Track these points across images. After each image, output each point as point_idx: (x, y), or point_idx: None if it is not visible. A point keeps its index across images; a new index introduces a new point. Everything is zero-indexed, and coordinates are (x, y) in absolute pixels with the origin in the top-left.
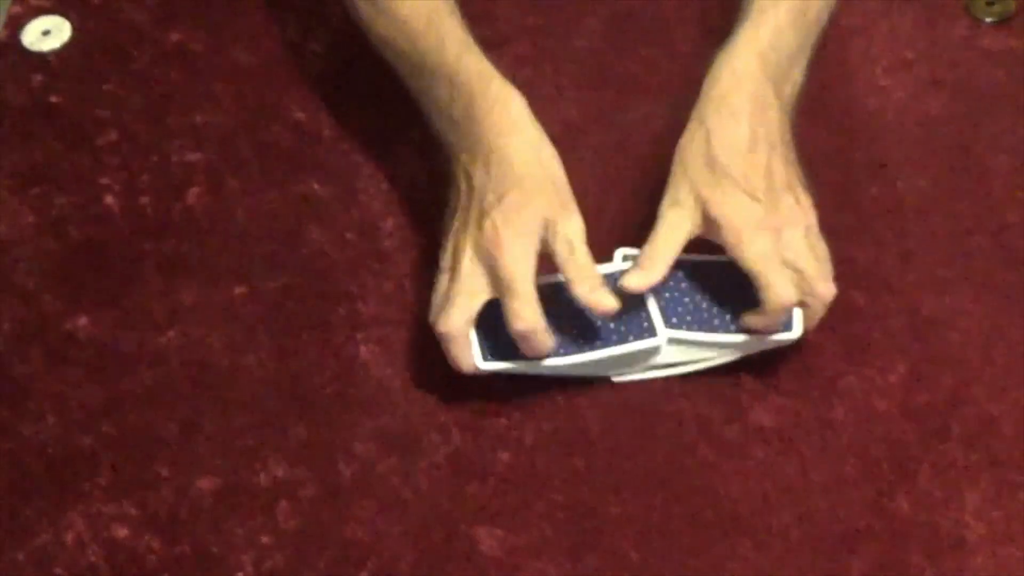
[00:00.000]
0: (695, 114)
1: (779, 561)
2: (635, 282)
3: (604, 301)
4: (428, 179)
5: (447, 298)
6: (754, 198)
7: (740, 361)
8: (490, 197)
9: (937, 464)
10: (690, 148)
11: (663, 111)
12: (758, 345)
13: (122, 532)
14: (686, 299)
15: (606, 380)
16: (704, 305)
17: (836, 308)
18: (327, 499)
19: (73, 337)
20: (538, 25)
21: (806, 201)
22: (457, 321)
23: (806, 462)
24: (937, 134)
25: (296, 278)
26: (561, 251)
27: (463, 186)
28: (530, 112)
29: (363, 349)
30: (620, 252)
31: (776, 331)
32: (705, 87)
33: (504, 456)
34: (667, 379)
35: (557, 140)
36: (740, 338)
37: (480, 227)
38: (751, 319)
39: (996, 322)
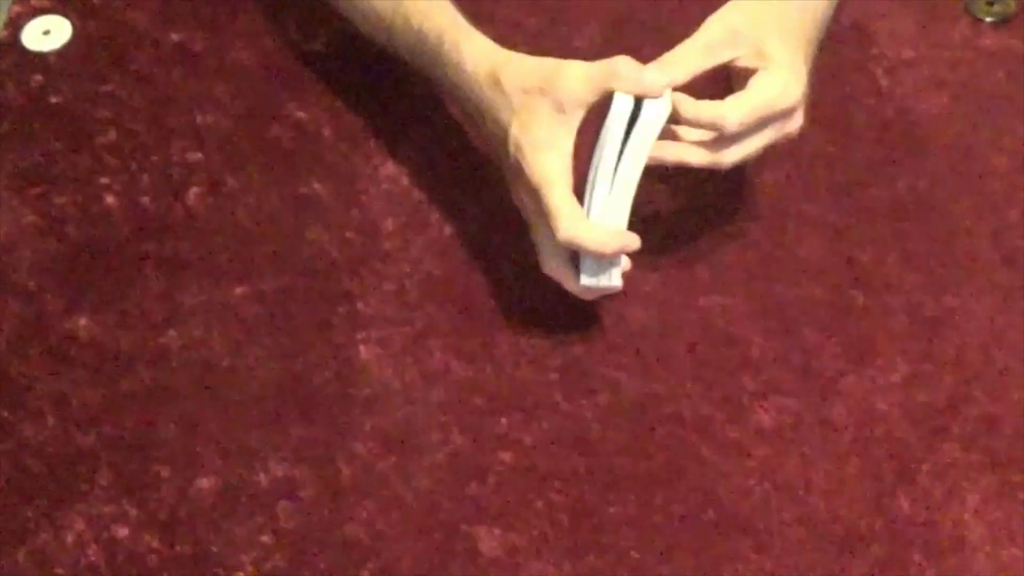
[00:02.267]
0: None
1: (779, 561)
2: (644, 78)
3: (650, 75)
4: (428, 179)
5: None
6: (806, 61)
7: (740, 360)
8: (498, 136)
9: (937, 464)
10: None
11: None
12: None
13: (122, 532)
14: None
15: (607, 377)
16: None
17: (836, 308)
18: (327, 499)
19: (73, 337)
20: (538, 25)
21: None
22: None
23: (806, 462)
24: (937, 134)
25: (296, 278)
26: (587, 82)
27: (487, 135)
28: (488, 43)
29: (363, 349)
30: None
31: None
32: None
33: (504, 456)
34: (667, 379)
35: None
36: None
37: (512, 168)
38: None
39: (996, 322)
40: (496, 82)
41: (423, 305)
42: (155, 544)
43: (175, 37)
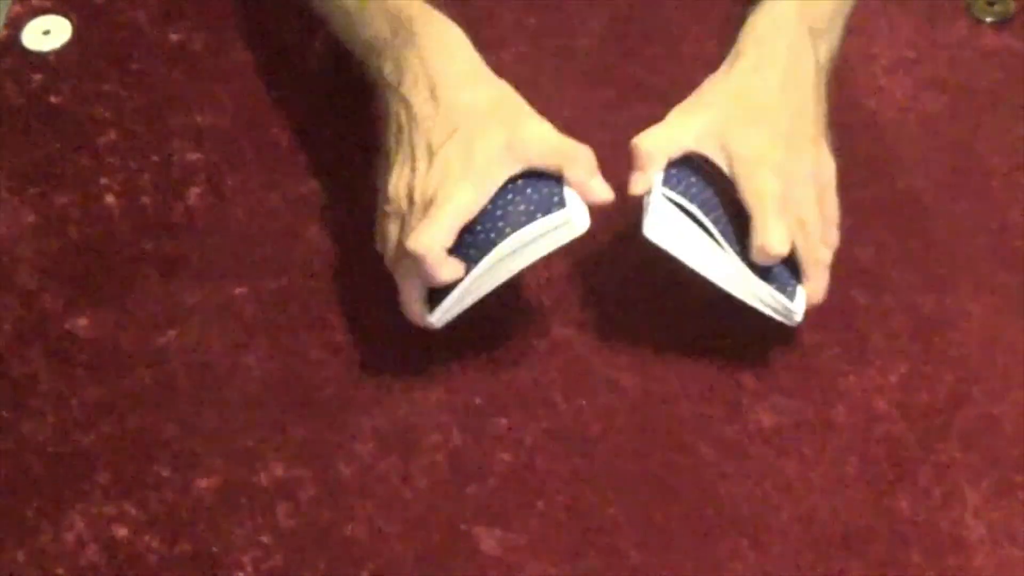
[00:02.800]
0: (730, 55)
1: (779, 561)
2: (633, 183)
3: (596, 188)
4: None
5: (411, 226)
6: (775, 139)
7: (740, 360)
8: (438, 132)
9: (937, 464)
10: (721, 82)
11: (663, 111)
12: (754, 292)
13: (122, 532)
14: (705, 190)
15: (607, 377)
16: (718, 205)
17: (836, 308)
18: (327, 499)
19: (73, 337)
20: (538, 25)
21: (828, 160)
22: (425, 239)
23: (806, 462)
24: (937, 134)
25: (296, 278)
26: (537, 155)
27: (403, 119)
28: (470, 45)
29: (363, 349)
30: None
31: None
32: (743, 32)
33: (504, 456)
34: (667, 379)
35: None
36: (736, 263)
37: (431, 163)
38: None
39: (996, 322)
40: (467, 84)
41: None
42: (155, 544)
43: (175, 37)
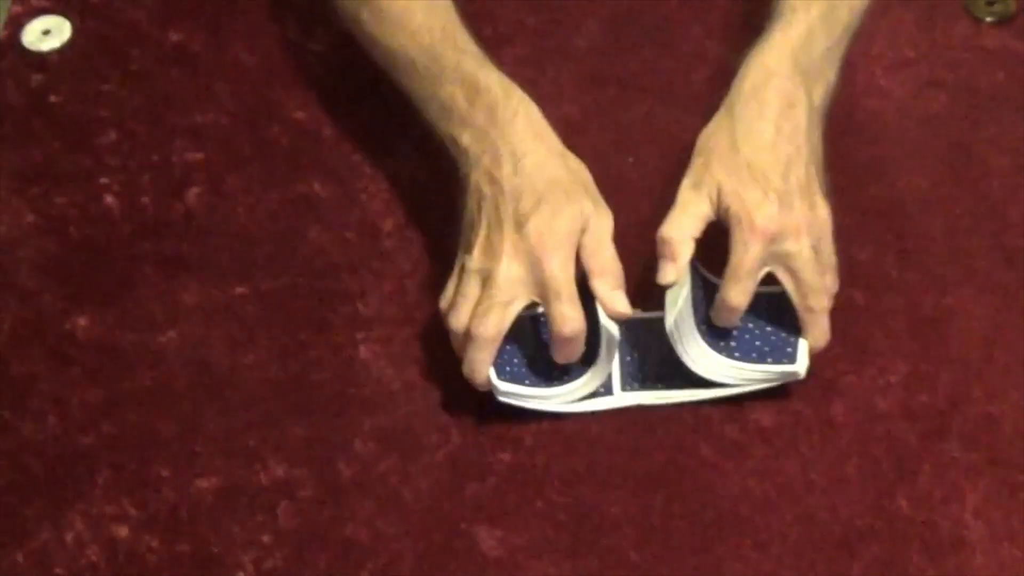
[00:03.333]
0: (724, 104)
1: (779, 561)
2: (665, 274)
3: (619, 302)
4: (428, 179)
5: (482, 303)
6: (767, 194)
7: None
8: (526, 202)
9: (937, 464)
10: (715, 136)
11: (663, 111)
12: (763, 378)
13: (122, 532)
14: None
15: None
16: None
17: (836, 308)
18: (327, 499)
19: (73, 337)
20: (538, 25)
21: (822, 209)
22: (493, 326)
23: (806, 462)
24: (937, 134)
25: (296, 278)
26: (589, 244)
27: (486, 190)
28: (547, 123)
29: (363, 349)
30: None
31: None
32: (736, 81)
33: (504, 456)
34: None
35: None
36: (744, 366)
37: (521, 232)
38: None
39: (996, 322)
40: (545, 166)
41: (423, 305)
42: (155, 544)
43: (175, 37)
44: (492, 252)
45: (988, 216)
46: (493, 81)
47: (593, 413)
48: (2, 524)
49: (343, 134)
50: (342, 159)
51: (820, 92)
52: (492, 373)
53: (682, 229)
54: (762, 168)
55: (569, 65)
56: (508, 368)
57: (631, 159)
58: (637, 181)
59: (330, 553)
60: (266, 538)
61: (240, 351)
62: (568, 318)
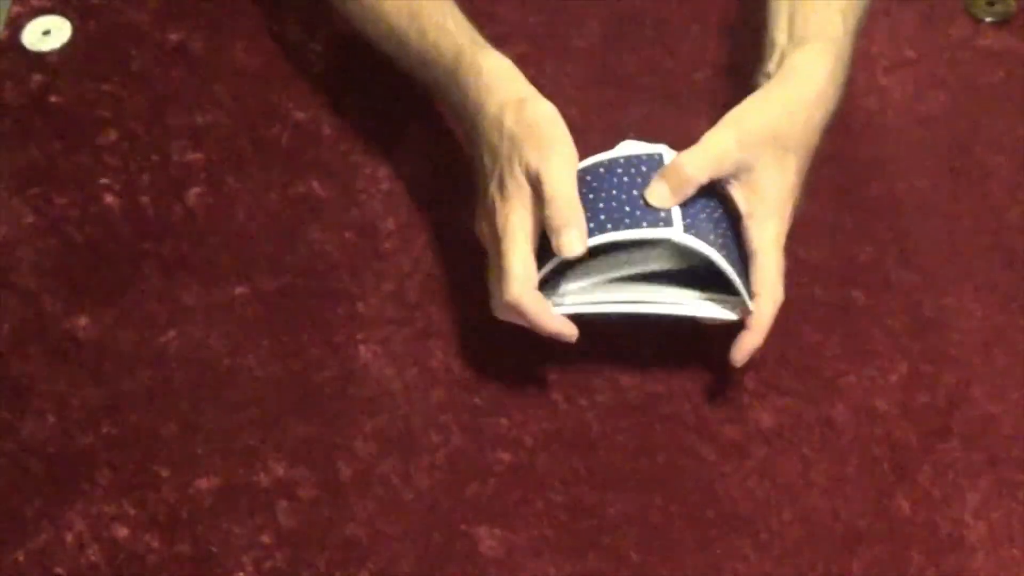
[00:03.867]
0: (774, 80)
1: (779, 561)
2: (660, 197)
3: (570, 246)
4: (428, 179)
5: (495, 278)
6: (785, 176)
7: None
8: (485, 170)
9: (937, 464)
10: (758, 111)
11: (663, 111)
12: (706, 310)
13: (122, 532)
14: (709, 225)
15: (607, 377)
16: (724, 242)
17: (836, 308)
18: (327, 499)
19: (73, 337)
20: (538, 25)
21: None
22: (515, 289)
23: (806, 462)
24: (937, 134)
25: (296, 278)
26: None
27: (477, 164)
28: (505, 70)
29: (363, 349)
30: (626, 143)
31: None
32: (787, 64)
33: (504, 456)
34: (667, 379)
35: None
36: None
37: (484, 203)
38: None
39: (996, 322)
40: (502, 117)
41: (423, 305)
42: (155, 544)
43: (175, 37)
44: (481, 228)
45: (988, 216)
46: (444, 53)
47: (593, 412)
48: (2, 524)
49: (343, 134)
50: (342, 159)
51: (838, 99)
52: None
53: (699, 167)
54: (793, 156)
55: (569, 65)
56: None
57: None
58: None
59: (330, 553)
60: (266, 538)
61: (240, 351)
62: (504, 290)
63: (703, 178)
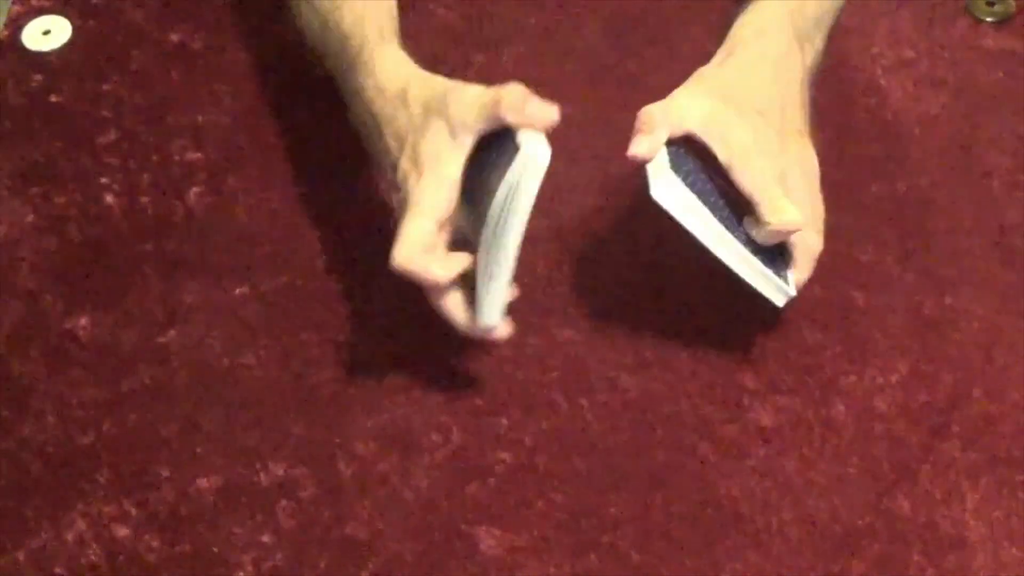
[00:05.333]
0: (721, 50)
1: (779, 561)
2: (639, 145)
3: (542, 111)
4: None
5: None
6: (768, 130)
7: (740, 360)
8: (390, 148)
9: (937, 464)
10: (715, 74)
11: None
12: (754, 268)
13: (122, 532)
14: (700, 176)
15: (607, 377)
16: (713, 192)
17: (836, 308)
18: (327, 499)
19: (73, 337)
20: (538, 25)
21: (813, 155)
22: (405, 252)
23: (806, 462)
24: (937, 134)
25: (297, 278)
26: (475, 112)
27: (377, 147)
28: (407, 59)
29: (363, 349)
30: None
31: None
32: (734, 30)
33: (504, 456)
34: (667, 379)
35: (557, 139)
36: (734, 240)
37: (394, 180)
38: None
39: (996, 322)
40: (403, 97)
41: (423, 305)
42: (155, 544)
43: (175, 37)
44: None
45: (988, 216)
46: (340, 45)
47: (593, 412)
48: (2, 524)
49: (343, 134)
50: (342, 159)
51: (810, 54)
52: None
53: (665, 113)
54: (764, 105)
55: (569, 65)
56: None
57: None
58: (639, 180)
59: (330, 553)
60: (266, 538)
61: (240, 351)
62: (393, 256)
63: (668, 126)
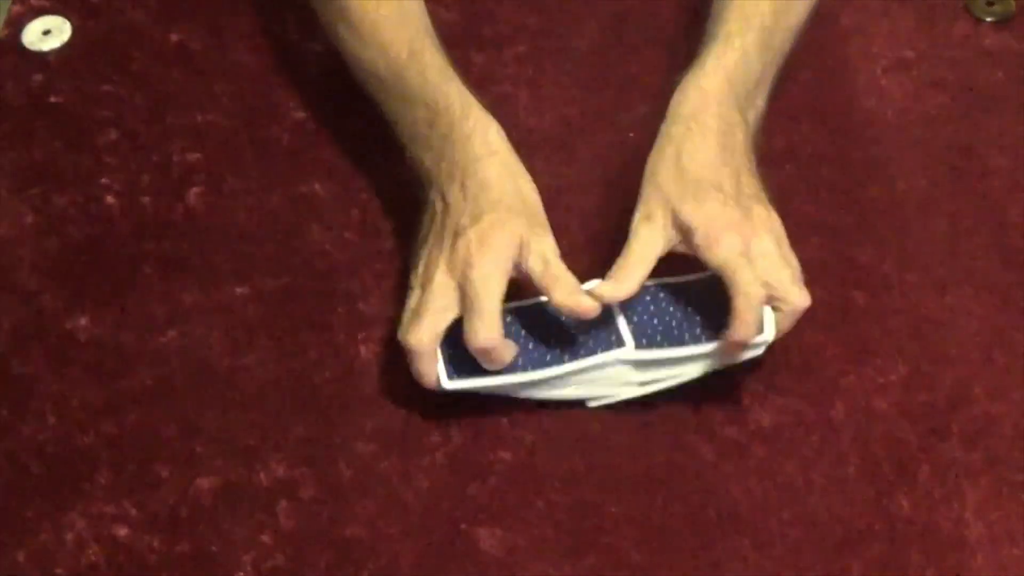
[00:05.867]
0: (663, 131)
1: (779, 561)
2: (607, 291)
3: (583, 302)
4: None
5: (416, 313)
6: (726, 203)
7: (740, 361)
8: (465, 218)
9: (937, 464)
10: (661, 164)
11: (663, 111)
12: (731, 356)
13: (122, 532)
14: (655, 320)
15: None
16: (674, 323)
17: (836, 308)
18: (327, 499)
19: (73, 337)
20: (538, 25)
21: (774, 215)
22: (425, 336)
23: (806, 462)
24: (937, 134)
25: (296, 278)
26: (535, 267)
27: (438, 207)
28: (507, 140)
29: (363, 349)
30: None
31: (751, 337)
32: (672, 105)
33: (504, 456)
34: None
35: (557, 139)
36: (711, 347)
37: (454, 246)
38: (729, 329)
39: (996, 322)
40: (498, 179)
41: None
42: (155, 544)
43: (175, 37)
44: (429, 266)
45: (988, 216)
46: (453, 99)
47: (593, 412)
48: (2, 524)
49: (343, 134)
50: (342, 159)
51: (752, 116)
52: (442, 375)
53: (639, 260)
54: (713, 181)
55: (569, 65)
56: (463, 366)
57: (631, 135)
58: (639, 180)
59: (330, 553)
60: (266, 538)
61: (240, 351)
62: (478, 332)
63: (641, 276)
